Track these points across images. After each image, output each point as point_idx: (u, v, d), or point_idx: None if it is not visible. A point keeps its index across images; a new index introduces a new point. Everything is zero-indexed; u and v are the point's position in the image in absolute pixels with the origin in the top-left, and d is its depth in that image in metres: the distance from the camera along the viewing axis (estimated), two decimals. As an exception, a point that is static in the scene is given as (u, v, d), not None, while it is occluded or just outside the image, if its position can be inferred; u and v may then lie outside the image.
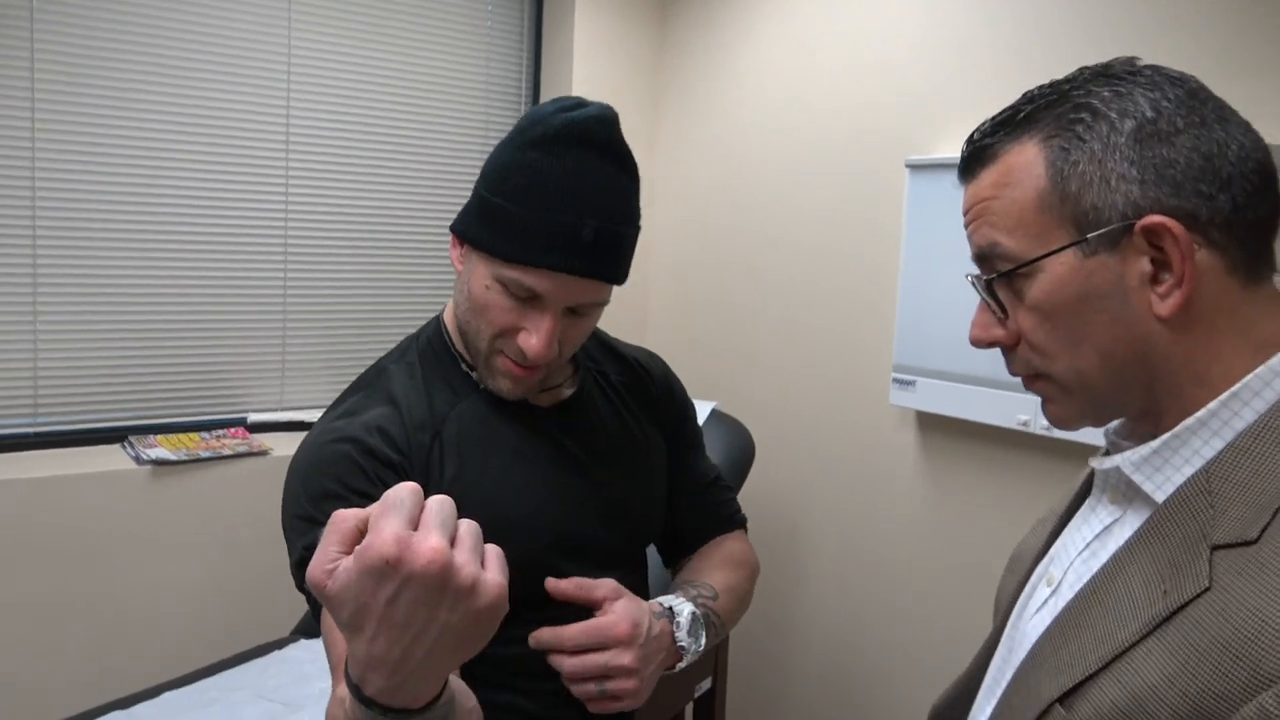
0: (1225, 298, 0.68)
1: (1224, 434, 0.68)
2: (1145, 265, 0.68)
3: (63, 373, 2.38)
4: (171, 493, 2.40)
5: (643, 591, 1.22)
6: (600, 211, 1.02)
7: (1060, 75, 0.77)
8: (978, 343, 0.78)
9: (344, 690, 0.71)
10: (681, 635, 1.10)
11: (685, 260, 2.96)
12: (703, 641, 1.12)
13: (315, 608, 1.02)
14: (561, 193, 1.01)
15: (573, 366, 1.22)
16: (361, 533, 0.65)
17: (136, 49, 2.37)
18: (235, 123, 2.53)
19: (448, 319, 1.17)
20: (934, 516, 2.35)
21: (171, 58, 2.42)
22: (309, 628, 2.43)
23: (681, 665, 1.11)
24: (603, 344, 1.29)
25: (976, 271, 0.79)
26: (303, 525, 1.01)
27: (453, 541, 0.63)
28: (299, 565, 1.00)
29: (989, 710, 0.81)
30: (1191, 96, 0.69)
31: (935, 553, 2.35)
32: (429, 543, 0.61)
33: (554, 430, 1.15)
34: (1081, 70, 0.74)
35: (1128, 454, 0.72)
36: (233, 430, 2.62)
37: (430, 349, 1.16)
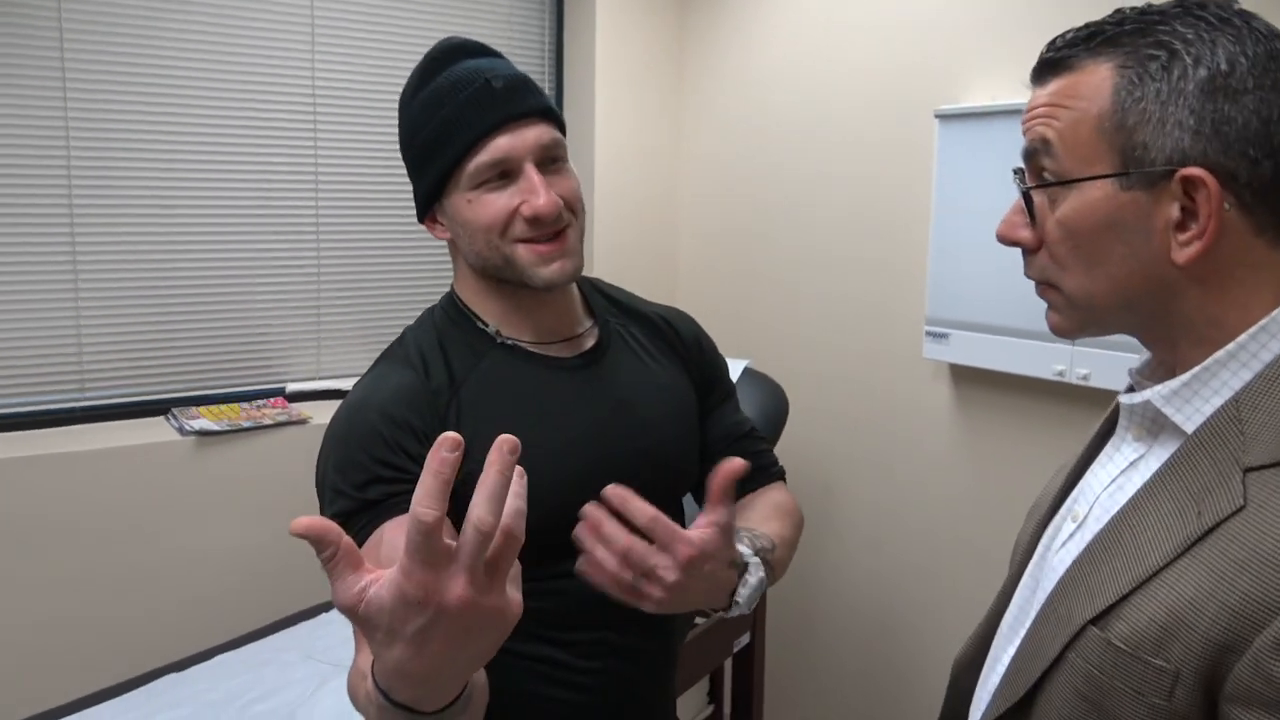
0: (1249, 255, 0.70)
1: (1253, 365, 0.70)
2: (1174, 211, 0.69)
3: (106, 348, 2.43)
4: (215, 462, 2.45)
5: None
6: (492, 72, 1.09)
7: (1095, 17, 0.77)
8: (1003, 239, 0.80)
9: (371, 685, 0.75)
10: (742, 595, 1.06)
11: (714, 224, 2.96)
12: (755, 599, 1.11)
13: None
14: (454, 83, 1.09)
15: (591, 319, 1.23)
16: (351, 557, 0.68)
17: (167, 26, 2.38)
18: (263, 97, 2.55)
19: (458, 287, 1.19)
20: (969, 469, 2.35)
21: (201, 33, 2.43)
22: (354, 591, 2.49)
23: (724, 615, 1.09)
24: (623, 305, 1.28)
25: (1016, 186, 0.80)
26: (331, 495, 1.05)
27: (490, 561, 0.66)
28: None
29: (1014, 646, 0.83)
30: (1271, 58, 0.69)
31: (971, 506, 2.35)
32: (457, 590, 0.64)
33: (578, 381, 1.16)
34: (1179, 0, 0.74)
35: (1158, 388, 0.74)
36: (272, 400, 2.66)
37: (446, 315, 1.18)
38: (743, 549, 1.09)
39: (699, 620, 2.24)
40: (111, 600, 2.32)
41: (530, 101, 1.08)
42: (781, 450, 2.39)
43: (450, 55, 1.11)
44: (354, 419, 1.07)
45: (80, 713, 1.89)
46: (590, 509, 0.94)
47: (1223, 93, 0.68)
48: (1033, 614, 0.81)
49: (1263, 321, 0.70)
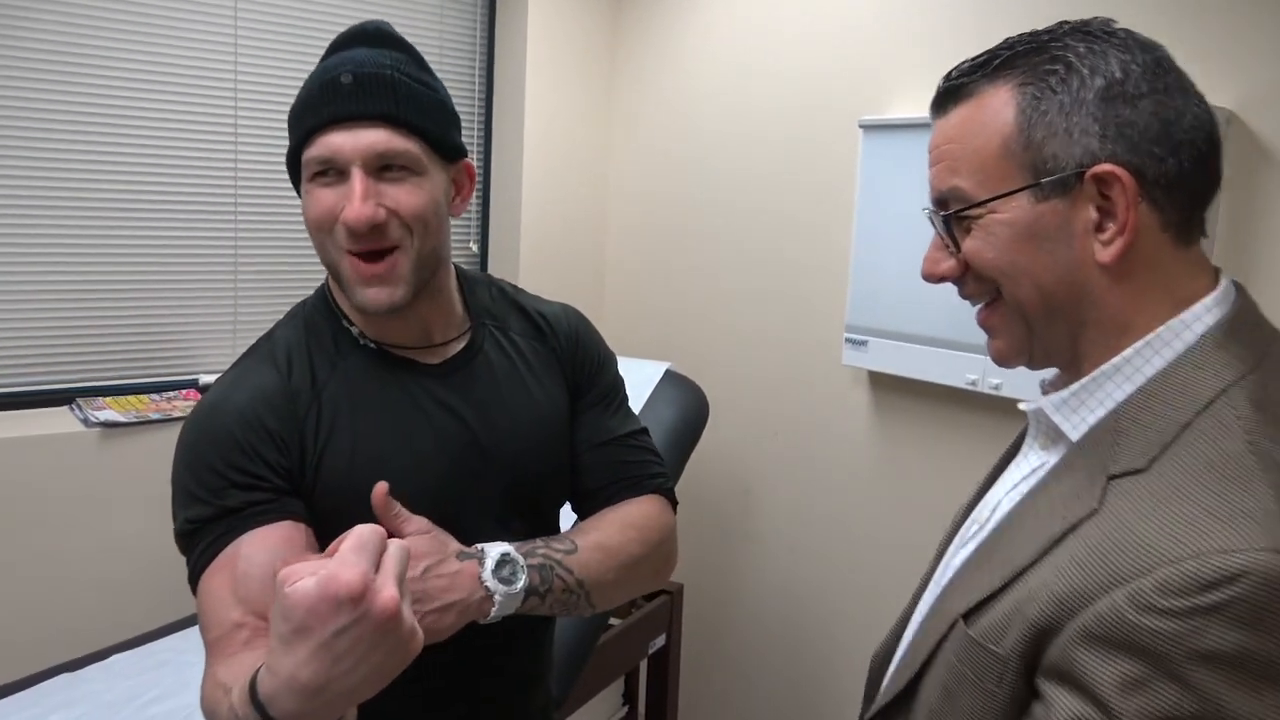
0: (1157, 254, 0.73)
1: (1135, 379, 0.72)
2: (1092, 213, 0.72)
3: (7, 334, 2.34)
4: (121, 455, 2.38)
5: None
6: (357, 64, 1.02)
7: (1017, 33, 0.79)
8: (928, 277, 0.82)
9: (241, 698, 0.73)
10: (487, 575, 1.00)
11: (642, 226, 2.95)
12: (519, 585, 1.02)
13: (193, 573, 1.01)
14: (322, 71, 1.04)
15: (468, 321, 1.18)
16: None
17: (81, 7, 2.30)
18: (183, 81, 2.47)
19: (330, 279, 1.15)
20: (886, 474, 2.38)
21: (118, 15, 2.35)
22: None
23: (495, 612, 1.01)
24: (510, 300, 1.24)
25: (930, 220, 0.83)
26: (185, 497, 1.02)
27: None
28: (180, 535, 1.03)
29: (912, 635, 0.87)
30: (1158, 65, 0.73)
31: (887, 510, 2.38)
32: (388, 590, 0.65)
33: (438, 387, 1.12)
34: (1061, 24, 0.77)
35: (1050, 397, 0.78)
36: (184, 392, 2.59)
37: (315, 310, 1.14)
38: (488, 545, 1.03)
39: (613, 621, 2.24)
40: (4, 595, 2.23)
41: (373, 104, 1.00)
42: (702, 452, 2.40)
43: (348, 40, 1.08)
44: (210, 422, 1.04)
45: (-34, 713, 1.81)
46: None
47: (1121, 99, 0.71)
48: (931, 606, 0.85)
49: (1148, 337, 0.72)
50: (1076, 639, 0.64)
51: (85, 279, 2.42)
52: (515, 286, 1.28)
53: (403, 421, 1.08)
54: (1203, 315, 0.72)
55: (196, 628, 2.13)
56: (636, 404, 2.17)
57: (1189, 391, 0.69)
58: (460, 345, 1.16)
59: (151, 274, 2.51)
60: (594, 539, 1.13)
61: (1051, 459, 0.79)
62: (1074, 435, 0.75)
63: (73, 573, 2.32)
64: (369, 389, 1.08)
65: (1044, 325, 0.77)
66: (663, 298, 2.84)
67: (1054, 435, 0.79)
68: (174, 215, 2.52)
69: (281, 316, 1.17)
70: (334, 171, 1.01)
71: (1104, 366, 0.74)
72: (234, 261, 2.64)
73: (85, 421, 2.36)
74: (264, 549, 0.96)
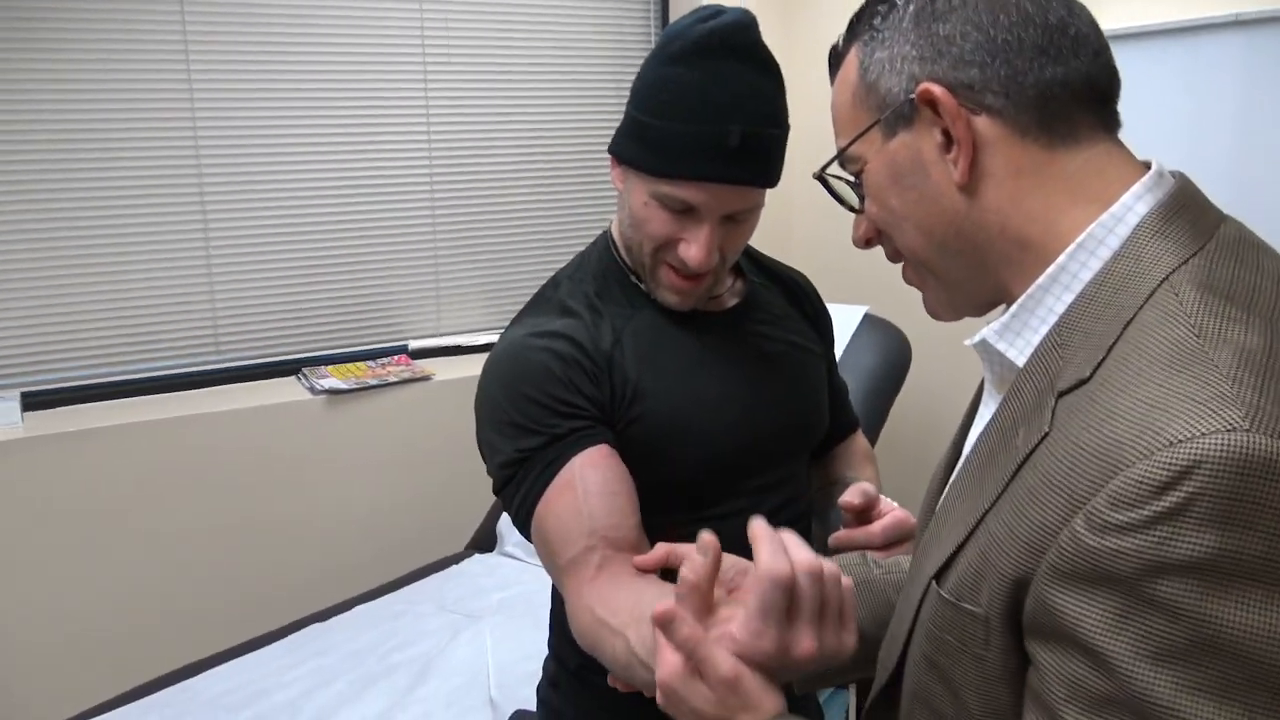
0: (1024, 160, 0.68)
1: (1074, 286, 0.66)
2: (937, 137, 0.70)
3: (238, 312, 2.53)
4: (344, 420, 2.53)
5: (805, 487, 1.25)
6: (745, 116, 1.02)
7: None
8: (855, 242, 0.81)
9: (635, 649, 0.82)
10: None
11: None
12: None
13: (525, 502, 1.03)
14: (705, 103, 1.02)
15: (735, 278, 1.23)
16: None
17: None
18: (375, 59, 2.58)
19: (615, 234, 1.19)
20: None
21: (316, 2, 2.47)
22: (482, 542, 2.55)
23: None
24: (759, 263, 1.30)
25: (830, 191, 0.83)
26: (510, 430, 1.04)
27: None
28: (505, 465, 1.04)
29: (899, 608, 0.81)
30: None
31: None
32: (805, 643, 0.71)
33: (728, 337, 1.17)
34: None
35: (991, 325, 0.72)
36: (396, 358, 2.73)
37: (601, 264, 1.18)
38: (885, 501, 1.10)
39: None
40: (247, 555, 2.44)
41: (752, 172, 1.04)
42: (902, 397, 2.34)
43: (723, 49, 1.03)
44: (526, 358, 1.07)
45: (234, 660, 2.00)
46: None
47: (932, 17, 0.70)
48: None
49: (1079, 238, 0.66)
50: (1048, 581, 0.57)
51: (301, 257, 2.58)
52: (751, 246, 1.30)
53: (700, 365, 1.13)
54: (1133, 205, 0.66)
55: (427, 580, 2.29)
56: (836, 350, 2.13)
57: (1129, 286, 0.63)
58: (735, 299, 1.20)
59: (360, 250, 2.66)
60: (871, 477, 1.25)
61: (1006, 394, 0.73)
62: (1020, 360, 0.69)
63: (306, 530, 2.51)
64: (664, 338, 1.13)
65: (949, 268, 0.74)
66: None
67: (1007, 367, 0.72)
68: (375, 193, 2.65)
69: (537, 270, 1.21)
70: (685, 209, 1.05)
71: (1040, 279, 0.68)
72: (433, 231, 2.75)
73: (311, 389, 2.52)
74: (596, 470, 1.01)
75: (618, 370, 1.08)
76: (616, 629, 0.87)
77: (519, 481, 1.03)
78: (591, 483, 0.99)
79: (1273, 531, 0.50)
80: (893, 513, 1.09)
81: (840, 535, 1.10)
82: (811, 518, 1.24)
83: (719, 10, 1.05)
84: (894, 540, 1.07)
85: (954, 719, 0.68)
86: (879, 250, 0.82)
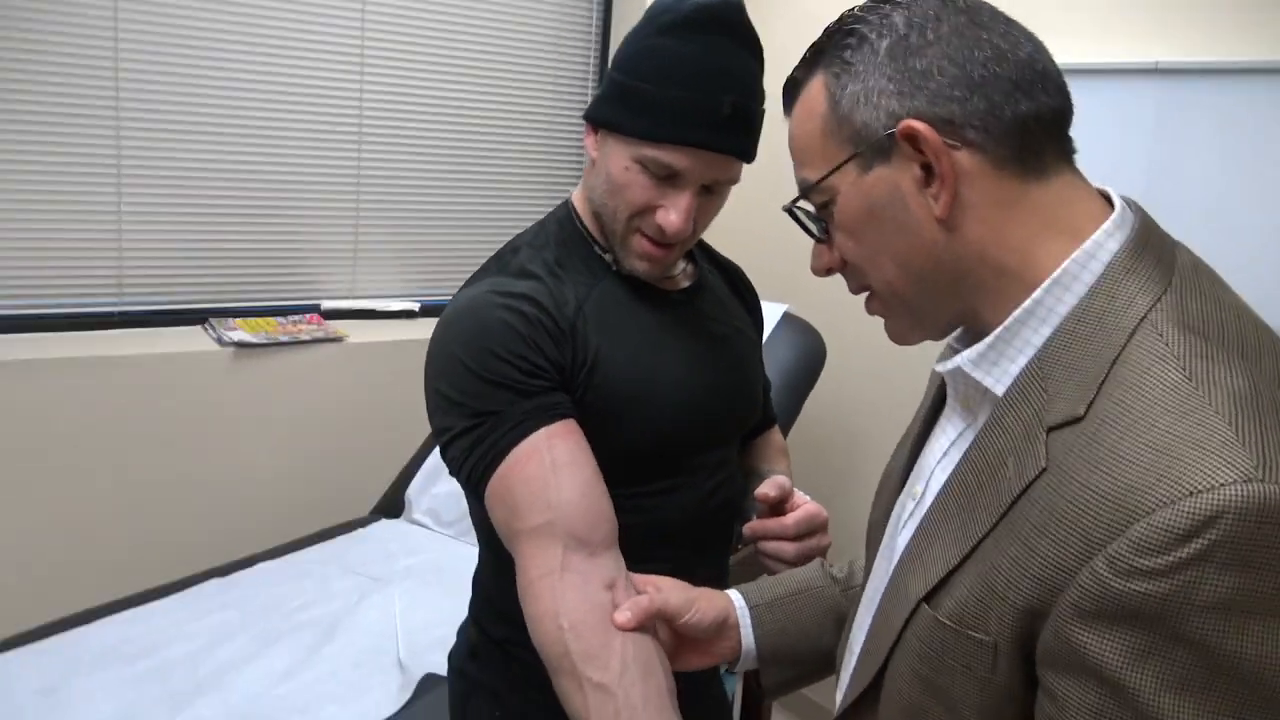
0: (1001, 192, 0.70)
1: (1051, 320, 0.69)
2: (916, 171, 0.71)
3: (146, 254, 2.42)
4: (252, 374, 2.47)
5: (738, 472, 1.29)
6: (736, 88, 1.05)
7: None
8: (815, 271, 0.82)
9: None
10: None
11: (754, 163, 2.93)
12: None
13: (487, 459, 1.01)
14: (700, 73, 1.04)
15: (687, 261, 1.25)
16: None
17: (219, -73, 2.34)
18: (311, 10, 2.51)
19: (577, 203, 1.18)
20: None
21: (252, -63, 2.39)
22: (389, 509, 2.53)
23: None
24: (705, 251, 1.33)
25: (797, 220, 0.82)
26: (475, 385, 1.02)
27: None
28: (467, 417, 1.02)
29: (867, 624, 0.83)
30: (943, 7, 0.72)
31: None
32: None
33: (683, 316, 1.18)
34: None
35: (966, 353, 0.74)
36: (309, 316, 2.67)
37: (563, 233, 1.17)
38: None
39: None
40: (147, 505, 2.34)
41: (740, 142, 1.07)
42: (814, 396, 2.43)
43: (714, 24, 1.06)
44: (486, 315, 1.05)
45: (128, 611, 1.93)
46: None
47: (908, 52, 0.71)
48: (883, 590, 0.81)
49: (1055, 274, 0.69)
50: (1069, 618, 0.60)
51: (217, 203, 2.49)
52: None
53: (659, 343, 1.14)
54: (1105, 242, 0.69)
55: (333, 541, 2.25)
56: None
57: (1108, 324, 0.66)
58: (687, 281, 1.23)
59: (280, 203, 2.58)
60: (785, 470, 1.28)
61: (980, 418, 0.75)
62: (998, 389, 0.71)
63: (210, 484, 2.43)
64: (625, 310, 1.13)
65: (923, 298, 0.75)
66: (781, 238, 2.84)
67: (977, 393, 0.75)
68: (301, 145, 2.58)
69: (518, 236, 1.19)
70: (669, 175, 1.06)
71: (1016, 313, 0.70)
72: (356, 191, 2.70)
73: (219, 340, 2.45)
74: (564, 443, 1.01)
75: (580, 337, 1.08)
76: (602, 684, 0.89)
77: (479, 438, 1.01)
78: (560, 454, 0.99)
79: None
80: (805, 506, 1.13)
81: (754, 525, 1.14)
82: (742, 502, 1.27)
83: None
84: (805, 532, 1.12)
85: None
86: (800, 249, 0.82)
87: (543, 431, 1.00)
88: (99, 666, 1.74)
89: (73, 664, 1.74)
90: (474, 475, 1.02)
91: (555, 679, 0.93)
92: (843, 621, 1.02)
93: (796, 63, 0.80)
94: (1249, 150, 1.76)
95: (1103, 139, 1.92)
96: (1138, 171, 1.90)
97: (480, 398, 1.02)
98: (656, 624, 0.96)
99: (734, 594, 1.03)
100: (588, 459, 1.02)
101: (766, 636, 1.00)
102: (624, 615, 0.93)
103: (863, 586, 0.92)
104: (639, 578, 0.99)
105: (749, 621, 1.00)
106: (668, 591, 0.97)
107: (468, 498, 1.10)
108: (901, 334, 0.81)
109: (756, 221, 2.96)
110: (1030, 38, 0.73)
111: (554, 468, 0.99)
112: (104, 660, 1.76)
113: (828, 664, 1.02)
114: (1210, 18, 1.87)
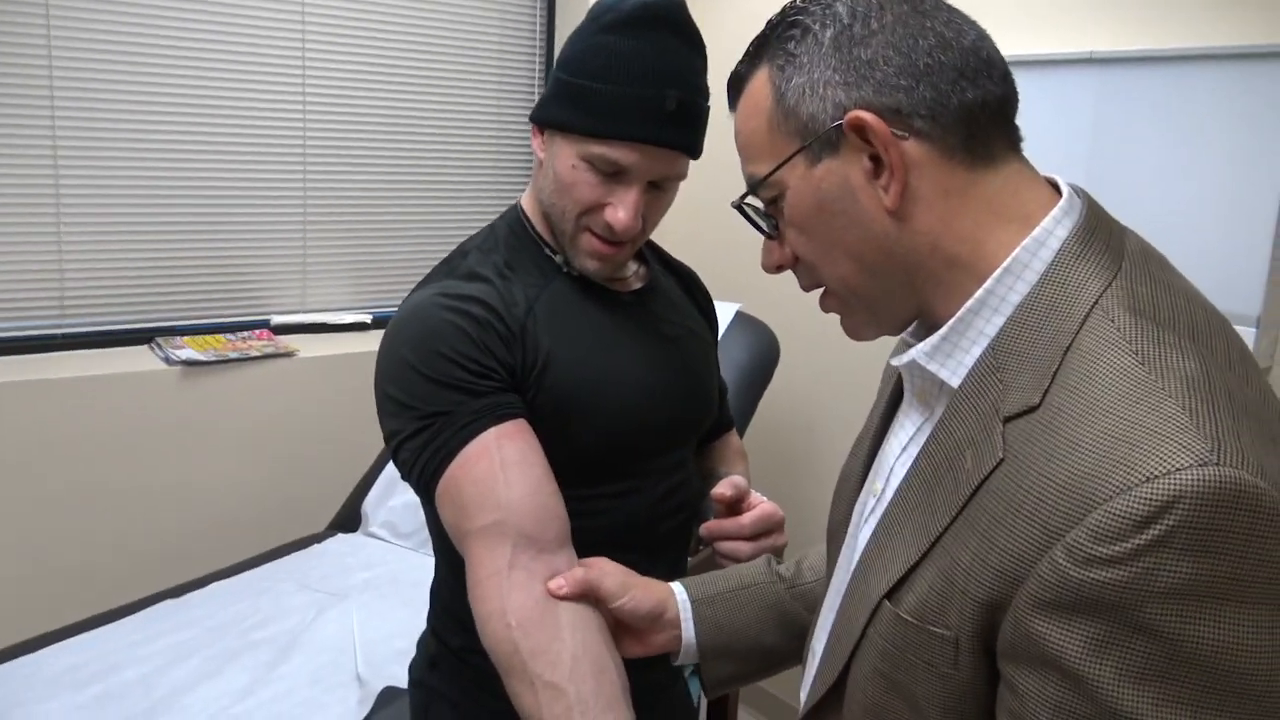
0: (951, 182, 0.70)
1: (1003, 309, 0.69)
2: (865, 162, 0.70)
3: (88, 273, 2.38)
4: (202, 393, 2.43)
5: (694, 474, 1.28)
6: (680, 84, 1.06)
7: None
8: (766, 268, 0.82)
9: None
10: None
11: (701, 161, 2.95)
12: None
13: (434, 461, 1.01)
14: (643, 69, 1.05)
15: (639, 262, 1.25)
16: None
17: (153, -59, 2.31)
18: (250, 22, 2.49)
19: (526, 206, 1.19)
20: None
21: (188, -49, 2.37)
22: (345, 523, 2.50)
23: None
24: (657, 253, 1.33)
25: (747, 218, 0.82)
26: (423, 386, 1.02)
27: None
28: (415, 420, 1.02)
29: (830, 623, 0.83)
30: (882, 3, 0.72)
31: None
32: None
33: (635, 317, 1.18)
34: None
35: (920, 346, 0.73)
36: (258, 332, 2.64)
37: (513, 234, 1.17)
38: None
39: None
40: (98, 528, 2.30)
41: (685, 137, 1.07)
42: (769, 393, 2.45)
43: (656, 22, 1.06)
44: (434, 318, 1.04)
45: (79, 636, 1.89)
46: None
47: (852, 42, 0.70)
48: (844, 589, 0.81)
49: (1005, 263, 0.69)
50: (1028, 610, 0.60)
51: (160, 220, 2.46)
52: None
53: (610, 344, 1.14)
54: (1054, 229, 0.69)
55: (288, 558, 2.22)
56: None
57: (1060, 311, 0.66)
58: (639, 283, 1.23)
59: (224, 217, 2.55)
60: (743, 473, 1.30)
61: (938, 411, 0.75)
62: (954, 381, 0.71)
63: (161, 505, 2.39)
64: (576, 311, 1.13)
65: (877, 292, 0.75)
66: (734, 238, 2.86)
67: (933, 386, 0.75)
68: (245, 160, 2.55)
69: (467, 240, 1.19)
70: (613, 171, 1.06)
71: (969, 303, 0.70)
72: (303, 204, 2.67)
73: (166, 360, 2.41)
74: (513, 443, 1.00)
75: (530, 338, 1.08)
76: (552, 683, 0.90)
77: (429, 439, 1.01)
78: (509, 453, 0.99)
79: (1238, 554, 0.54)
80: (761, 506, 1.14)
81: (711, 525, 1.15)
82: (698, 504, 1.27)
83: None
84: (761, 531, 1.13)
85: None
86: (751, 249, 0.81)
87: (492, 431, 1.00)
88: (49, 695, 1.70)
89: (21, 693, 1.70)
90: (424, 476, 1.02)
91: (506, 681, 0.93)
92: (787, 619, 1.03)
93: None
94: (1185, 135, 1.79)
95: (1044, 129, 1.96)
96: (1079, 159, 1.93)
97: (429, 399, 1.01)
98: (602, 616, 0.97)
99: (676, 587, 1.03)
100: (538, 458, 1.01)
101: (706, 631, 1.01)
102: (557, 582, 0.94)
103: (825, 587, 0.91)
104: (583, 560, 1.00)
105: (689, 615, 1.01)
106: (606, 573, 0.98)
107: (422, 503, 1.09)
108: (857, 330, 0.80)
109: (706, 222, 2.98)
110: (973, 25, 0.72)
111: (503, 466, 0.98)
112: (54, 688, 1.72)
113: (770, 661, 1.03)
114: (1142, 5, 1.92)
